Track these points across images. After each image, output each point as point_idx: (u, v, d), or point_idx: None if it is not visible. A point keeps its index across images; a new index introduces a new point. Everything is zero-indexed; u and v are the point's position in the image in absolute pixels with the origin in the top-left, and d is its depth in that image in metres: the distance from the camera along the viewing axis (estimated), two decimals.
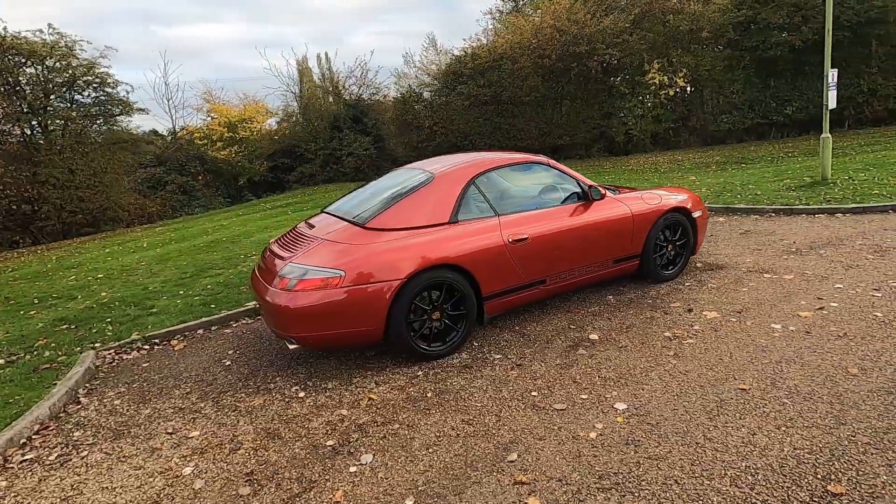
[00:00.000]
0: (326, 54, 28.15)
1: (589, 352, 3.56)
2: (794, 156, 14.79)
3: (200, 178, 22.83)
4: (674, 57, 19.82)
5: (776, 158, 14.51)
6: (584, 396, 2.98)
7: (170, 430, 3.06)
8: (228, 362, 4.05)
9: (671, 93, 19.77)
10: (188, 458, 2.75)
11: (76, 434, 3.10)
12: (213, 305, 5.32)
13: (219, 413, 3.24)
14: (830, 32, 8.48)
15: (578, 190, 4.37)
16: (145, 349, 4.44)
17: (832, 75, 8.38)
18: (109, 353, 4.37)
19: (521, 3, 30.03)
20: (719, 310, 4.03)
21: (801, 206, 7.12)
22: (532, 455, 2.47)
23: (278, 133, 24.42)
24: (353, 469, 2.52)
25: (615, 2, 18.88)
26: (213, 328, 4.83)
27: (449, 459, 2.52)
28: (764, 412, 2.62)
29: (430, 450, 2.61)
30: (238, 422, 3.10)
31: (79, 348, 4.43)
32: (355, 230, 3.65)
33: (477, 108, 20.54)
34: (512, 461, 2.46)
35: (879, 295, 3.95)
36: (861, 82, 19.68)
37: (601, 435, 2.58)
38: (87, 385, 3.80)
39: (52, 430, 3.15)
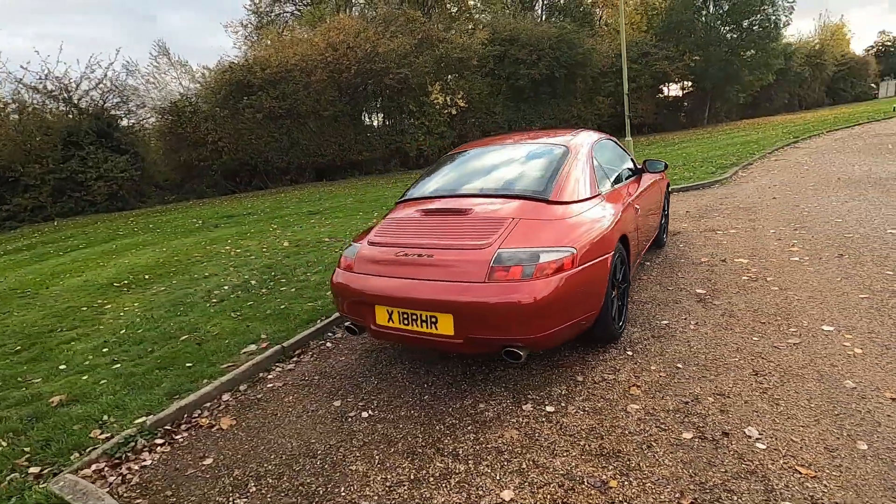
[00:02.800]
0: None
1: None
2: None
3: None
4: (451, 81, 22.35)
5: None
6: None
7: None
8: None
9: (453, 112, 22.20)
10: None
11: None
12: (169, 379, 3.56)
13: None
14: (626, 63, 11.13)
15: (632, 165, 4.70)
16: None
17: (627, 98, 11.06)
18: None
19: (266, 20, 28.99)
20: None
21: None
22: None
23: None
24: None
25: (399, 27, 20.09)
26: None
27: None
28: None
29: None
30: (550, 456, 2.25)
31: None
32: (543, 205, 3.08)
33: (272, 122, 18.75)
34: None
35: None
36: (572, 108, 26.10)
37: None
38: None
39: None
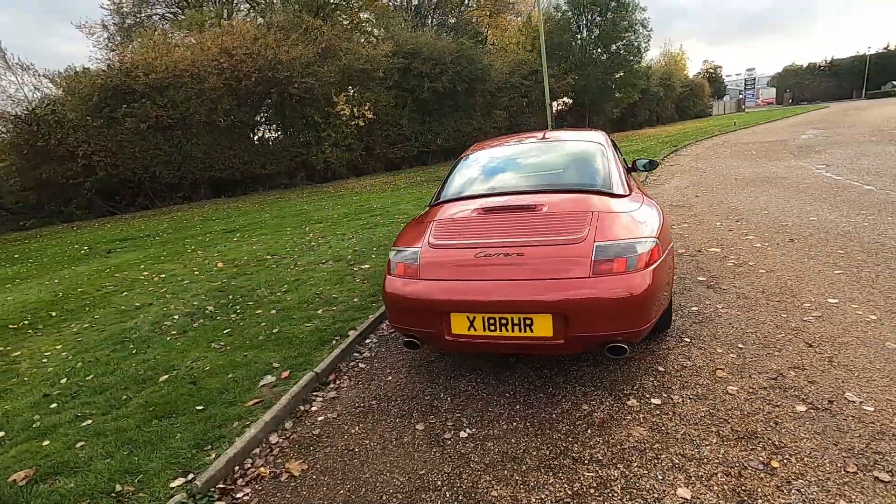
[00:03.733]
0: None
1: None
2: None
3: None
4: (356, 92, 21.89)
5: None
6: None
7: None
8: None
9: (361, 123, 21.74)
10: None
11: None
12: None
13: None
14: (547, 75, 11.79)
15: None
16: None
17: (550, 108, 11.71)
18: None
19: (131, 20, 26.11)
20: None
21: None
22: None
23: None
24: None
25: (300, 35, 19.21)
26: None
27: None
28: None
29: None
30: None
31: None
32: (609, 198, 3.03)
33: (160, 133, 16.71)
34: None
35: None
36: (473, 121, 27.09)
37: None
38: None
39: None
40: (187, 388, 3.22)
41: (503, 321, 2.56)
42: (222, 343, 3.96)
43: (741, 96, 57.34)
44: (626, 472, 2.09)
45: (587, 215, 2.80)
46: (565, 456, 2.24)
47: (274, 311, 4.60)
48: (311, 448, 2.53)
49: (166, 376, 3.46)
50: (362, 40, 25.74)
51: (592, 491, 2.01)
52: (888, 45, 54.21)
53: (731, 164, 11.92)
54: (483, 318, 2.59)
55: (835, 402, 2.39)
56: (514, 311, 2.52)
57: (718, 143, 17.84)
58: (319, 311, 4.44)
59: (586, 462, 2.18)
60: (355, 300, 4.63)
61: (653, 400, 2.58)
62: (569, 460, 2.21)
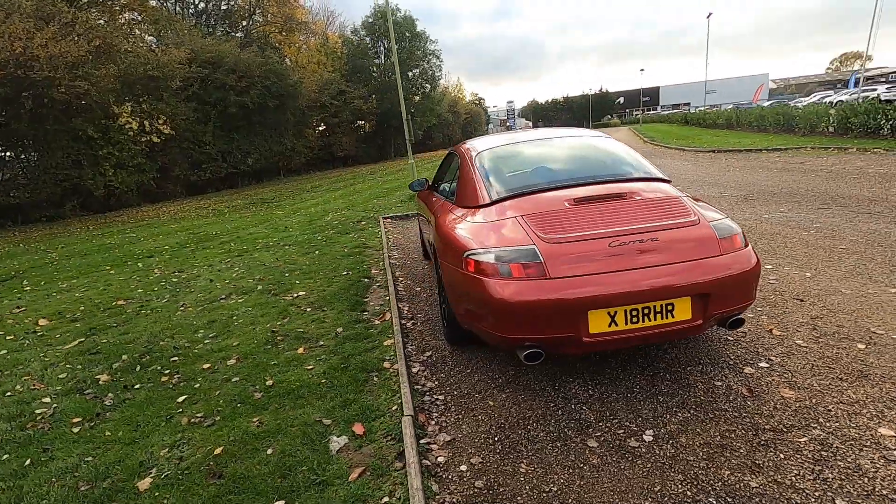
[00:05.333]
0: None
1: None
2: (312, 191, 17.96)
3: None
4: (145, 103, 18.32)
5: (296, 195, 17.16)
6: None
7: None
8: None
9: (155, 140, 18.25)
10: None
11: None
12: None
13: None
14: (402, 89, 11.79)
15: None
16: None
17: (408, 122, 11.80)
18: None
19: None
20: None
21: None
22: None
23: None
24: None
25: (63, 28, 15.12)
26: None
27: None
28: None
29: None
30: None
31: None
32: (669, 185, 3.10)
33: None
34: None
35: None
36: (285, 140, 25.51)
37: None
38: None
39: None
40: (216, 488, 2.14)
41: (646, 311, 2.41)
42: (199, 415, 2.78)
43: (509, 123, 67.45)
44: (827, 426, 2.17)
45: (678, 199, 2.85)
46: (763, 430, 2.21)
47: (233, 362, 3.45)
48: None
49: (147, 484, 2.25)
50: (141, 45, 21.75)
51: (825, 453, 2.02)
52: (602, 88, 71.15)
53: None
54: (626, 311, 2.40)
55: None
56: (659, 298, 2.40)
57: None
58: (300, 351, 3.51)
59: (786, 429, 2.19)
60: (339, 329, 3.81)
61: (761, 364, 2.76)
62: (770, 433, 2.18)
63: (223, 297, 5.16)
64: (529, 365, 2.73)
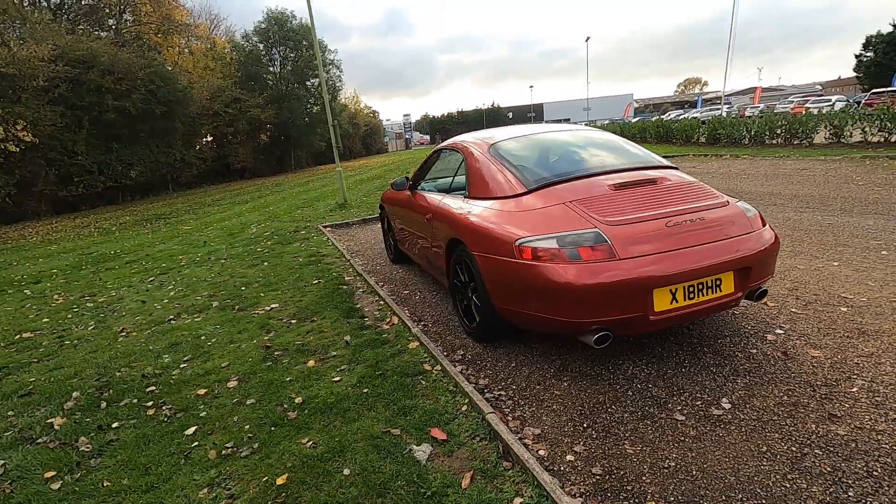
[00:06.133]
0: None
1: None
2: (214, 204, 16.46)
3: None
4: None
5: (197, 209, 15.68)
6: None
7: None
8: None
9: (11, 148, 15.46)
10: None
11: None
12: None
13: None
14: (327, 96, 11.24)
15: None
16: None
17: (335, 128, 11.31)
18: None
19: None
20: None
21: (372, 216, 9.12)
22: None
23: None
24: None
25: None
26: None
27: None
28: None
29: None
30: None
31: None
32: (681, 172, 3.29)
33: None
34: None
35: None
36: (174, 151, 23.20)
37: None
38: None
39: None
40: None
41: (699, 287, 2.55)
42: (228, 446, 2.35)
43: (408, 136, 68.04)
44: (865, 376, 2.44)
45: (700, 184, 3.05)
46: (817, 386, 2.41)
47: (235, 383, 2.98)
48: (615, 494, 1.87)
49: None
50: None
51: (878, 398, 2.26)
52: (494, 103, 75.08)
53: None
54: (684, 287, 2.51)
55: None
56: (713, 273, 2.54)
57: None
58: (311, 363, 3.15)
59: (835, 383, 2.41)
60: (346, 338, 3.48)
61: (777, 331, 3.03)
62: (824, 388, 2.39)
63: (171, 317, 4.48)
64: (597, 349, 2.72)
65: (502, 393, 2.63)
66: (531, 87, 69.05)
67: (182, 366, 3.36)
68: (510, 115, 77.01)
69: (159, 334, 4.06)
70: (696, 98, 63.31)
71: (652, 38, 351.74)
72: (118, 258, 8.16)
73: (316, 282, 5.01)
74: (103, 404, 2.94)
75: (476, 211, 3.17)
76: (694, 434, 2.15)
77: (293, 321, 3.97)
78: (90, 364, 3.59)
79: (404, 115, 79.89)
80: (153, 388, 3.07)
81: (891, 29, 41.28)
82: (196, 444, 2.41)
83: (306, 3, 10.76)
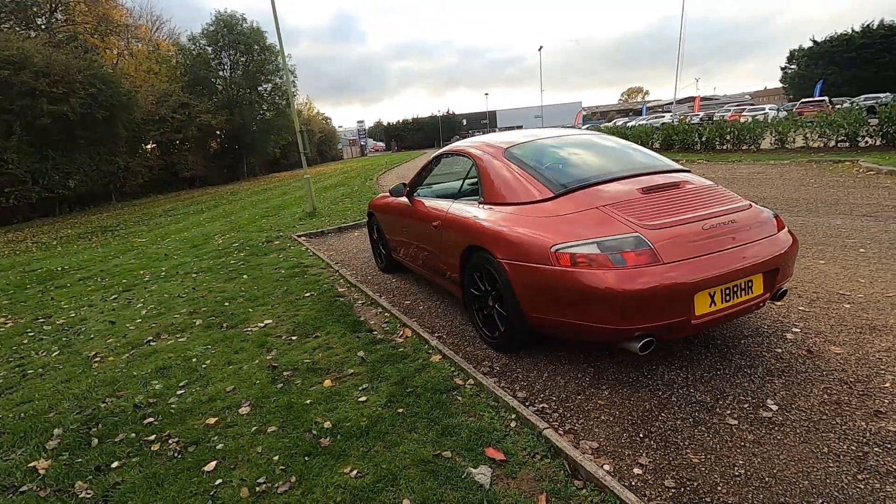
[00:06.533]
0: None
1: None
2: (166, 215, 15.56)
3: None
4: None
5: (148, 220, 14.79)
6: None
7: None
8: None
9: None
10: None
11: None
12: None
13: None
14: (293, 101, 10.84)
15: None
16: None
17: (302, 134, 10.93)
18: None
19: None
20: None
21: (348, 224, 8.88)
22: None
23: None
24: None
25: None
26: None
27: None
28: None
29: None
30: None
31: None
32: (694, 174, 3.31)
33: None
34: None
35: None
36: (117, 159, 21.81)
37: None
38: None
39: None
40: None
41: (735, 289, 2.56)
42: (261, 482, 2.12)
43: (363, 143, 67.11)
44: (893, 371, 2.51)
45: (719, 187, 3.09)
46: (851, 382, 2.46)
47: (247, 409, 2.73)
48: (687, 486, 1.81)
49: None
50: None
51: None
52: (448, 110, 75.65)
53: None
54: (721, 290, 2.52)
55: None
56: (747, 275, 2.56)
57: (408, 168, 20.60)
58: (327, 383, 2.94)
59: (867, 378, 2.48)
60: (360, 354, 3.28)
61: (794, 330, 3.10)
62: (859, 385, 2.45)
63: (150, 339, 4.10)
64: (641, 355, 2.67)
65: (545, 405, 2.53)
66: (486, 94, 69.89)
67: (179, 392, 3.05)
68: (464, 121, 77.72)
69: (141, 358, 3.70)
70: (641, 106, 66.32)
71: (595, 48, 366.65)
72: (68, 275, 7.49)
73: (308, 294, 4.75)
74: (94, 441, 2.61)
75: (497, 217, 3.07)
76: (752, 438, 2.13)
77: (293, 337, 3.72)
78: (65, 395, 3.20)
79: (358, 122, 78.93)
80: (151, 419, 2.76)
81: (811, 44, 44.82)
82: (220, 481, 2.16)
83: (271, 3, 10.35)
